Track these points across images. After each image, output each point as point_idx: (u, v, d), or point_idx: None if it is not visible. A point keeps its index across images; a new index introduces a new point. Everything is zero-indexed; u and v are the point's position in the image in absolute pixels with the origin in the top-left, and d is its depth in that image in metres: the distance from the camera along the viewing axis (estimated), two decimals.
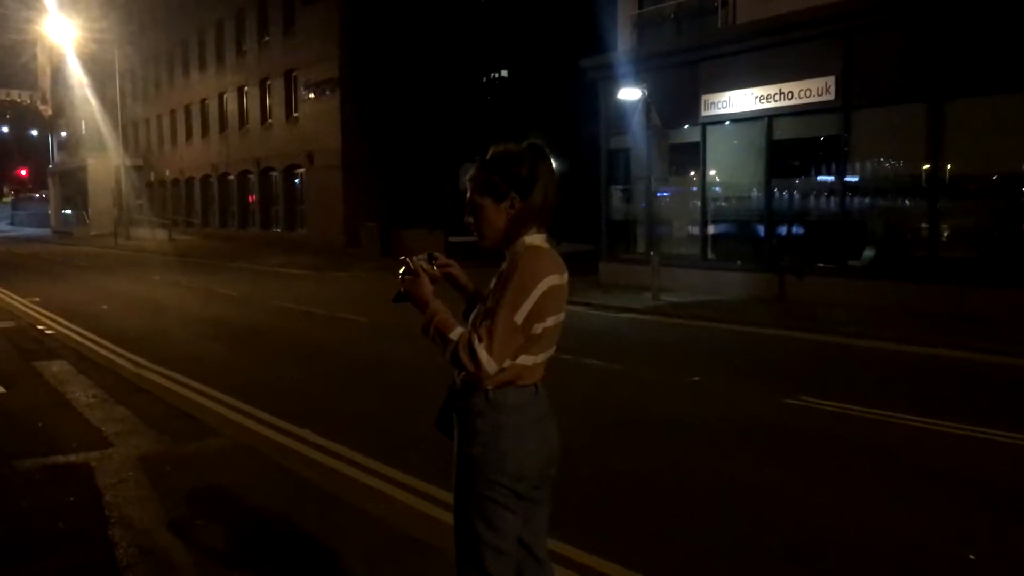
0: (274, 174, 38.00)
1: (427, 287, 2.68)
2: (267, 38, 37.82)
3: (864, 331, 11.96)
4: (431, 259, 2.76)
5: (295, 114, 35.89)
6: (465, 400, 2.70)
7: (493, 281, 2.69)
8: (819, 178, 15.69)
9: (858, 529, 5.00)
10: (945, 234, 13.86)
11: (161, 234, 43.24)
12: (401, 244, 28.73)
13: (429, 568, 4.28)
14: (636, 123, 17.87)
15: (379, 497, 5.45)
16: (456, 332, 2.59)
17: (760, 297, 15.50)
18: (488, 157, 2.73)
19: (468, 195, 2.74)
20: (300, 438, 6.86)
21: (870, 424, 7.28)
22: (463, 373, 2.65)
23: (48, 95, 64.70)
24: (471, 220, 2.75)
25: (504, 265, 2.69)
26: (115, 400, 7.99)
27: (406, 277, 2.69)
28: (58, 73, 61.79)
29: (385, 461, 6.12)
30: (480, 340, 2.53)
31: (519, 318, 2.57)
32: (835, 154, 15.13)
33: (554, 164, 2.72)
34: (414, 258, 2.72)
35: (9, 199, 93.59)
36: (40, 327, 13.20)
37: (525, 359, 2.66)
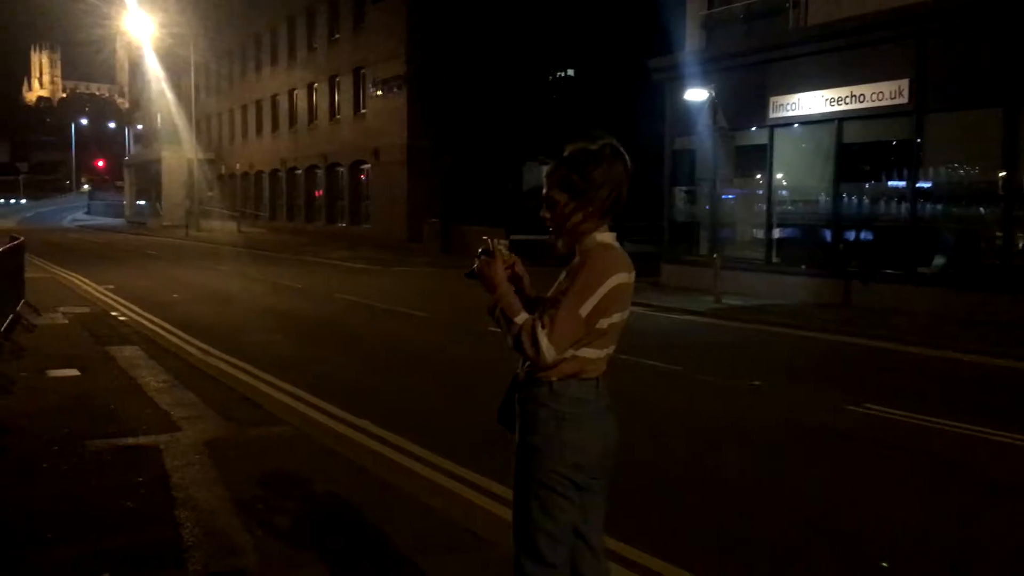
0: (340, 169, 38.57)
1: (500, 270, 2.74)
2: (337, 35, 38.41)
3: (931, 340, 11.69)
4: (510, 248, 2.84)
5: (362, 110, 36.38)
6: (529, 390, 2.77)
7: (563, 274, 2.74)
8: (889, 183, 15.36)
9: (919, 540, 4.92)
10: (1020, 243, 13.46)
11: (230, 226, 44.20)
12: (463, 240, 28.90)
13: (481, 559, 4.33)
14: (702, 124, 17.71)
15: (435, 488, 5.52)
16: (521, 317, 2.66)
17: (824, 303, 15.24)
18: (566, 155, 2.78)
19: (545, 191, 2.79)
20: (360, 428, 6.98)
21: (933, 433, 7.13)
22: (527, 363, 2.72)
23: (126, 89, 66.70)
24: (547, 215, 2.81)
25: (575, 260, 2.75)
26: (184, 385, 8.23)
27: (482, 257, 2.75)
28: (136, 68, 63.59)
29: (442, 453, 6.19)
30: (543, 327, 2.60)
31: (584, 311, 2.63)
32: (907, 159, 14.80)
33: (629, 162, 2.78)
34: (494, 240, 2.79)
35: (86, 189, 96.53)
36: (113, 313, 13.63)
37: (588, 352, 2.71)
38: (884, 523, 5.16)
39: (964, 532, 5.06)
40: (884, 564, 4.44)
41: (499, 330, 2.71)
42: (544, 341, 2.59)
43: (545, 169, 2.85)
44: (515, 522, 2.82)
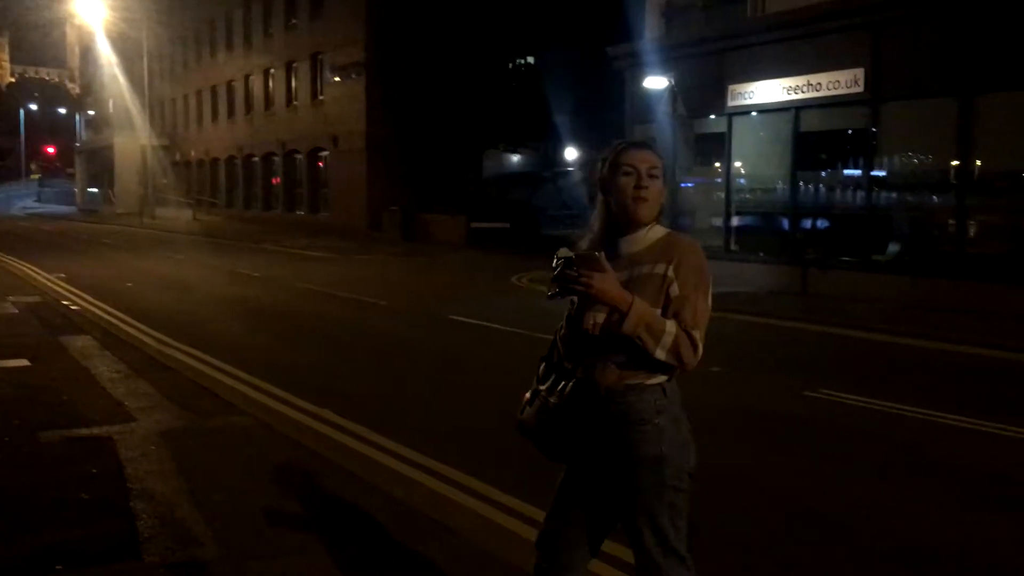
0: (298, 157, 38.14)
1: (616, 281, 2.49)
2: (294, 20, 37.92)
3: (886, 326, 11.86)
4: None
5: (320, 97, 35.99)
6: (639, 398, 2.61)
7: (633, 266, 2.61)
8: (846, 171, 15.57)
9: (872, 522, 4.98)
10: (972, 230, 13.72)
11: (186, 214, 43.55)
12: (424, 229, 28.79)
13: (446, 547, 4.31)
14: (662, 112, 17.74)
15: (397, 477, 5.48)
16: (672, 324, 2.52)
17: (782, 290, 15.40)
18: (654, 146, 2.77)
19: (653, 170, 2.70)
20: (319, 417, 6.90)
21: (890, 418, 7.23)
22: (619, 376, 2.57)
23: (77, 74, 65.24)
24: (650, 188, 2.72)
25: (639, 250, 2.64)
26: (139, 376, 8.07)
27: (596, 275, 2.45)
28: (87, 52, 62.29)
29: (403, 442, 6.14)
30: (693, 329, 2.53)
31: (710, 300, 2.62)
32: (863, 147, 15.00)
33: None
34: (594, 253, 2.49)
35: (36, 177, 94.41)
36: (65, 303, 13.34)
37: None
38: (839, 506, 5.22)
39: (918, 516, 5.14)
40: None
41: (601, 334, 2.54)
42: (700, 344, 2.53)
43: (648, 153, 2.71)
44: (646, 541, 2.64)
